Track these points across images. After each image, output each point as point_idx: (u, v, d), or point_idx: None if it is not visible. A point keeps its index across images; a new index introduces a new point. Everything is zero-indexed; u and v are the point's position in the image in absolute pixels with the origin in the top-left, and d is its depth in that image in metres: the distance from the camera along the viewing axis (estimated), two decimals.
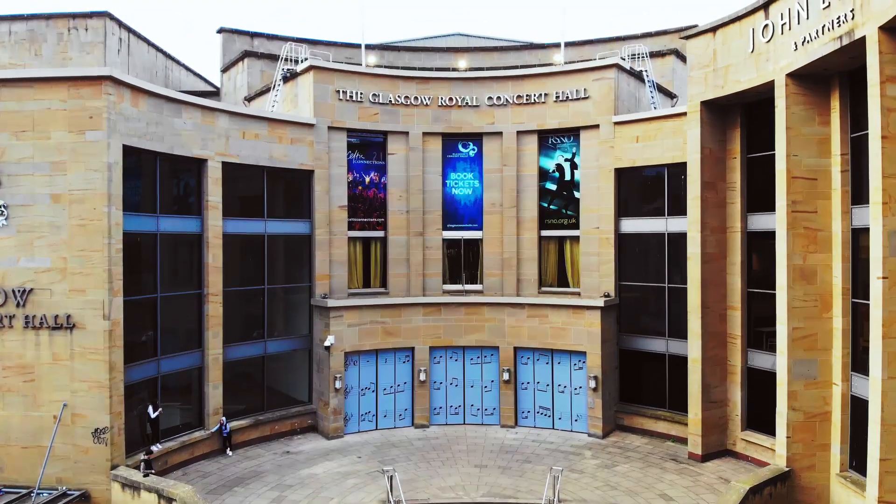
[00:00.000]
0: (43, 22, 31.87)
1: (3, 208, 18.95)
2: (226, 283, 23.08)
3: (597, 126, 25.72)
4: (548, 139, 26.91)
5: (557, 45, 35.11)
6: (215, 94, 37.91)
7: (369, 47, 35.31)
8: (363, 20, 28.22)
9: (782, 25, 18.72)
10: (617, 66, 25.59)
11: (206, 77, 42.91)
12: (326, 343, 23.99)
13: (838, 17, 16.38)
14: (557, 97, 26.28)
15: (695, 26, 35.14)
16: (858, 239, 18.14)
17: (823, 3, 16.93)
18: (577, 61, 33.00)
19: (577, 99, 25.99)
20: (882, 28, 14.95)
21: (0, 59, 31.94)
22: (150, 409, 20.81)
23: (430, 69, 33.72)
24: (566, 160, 26.70)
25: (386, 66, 33.59)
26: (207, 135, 22.45)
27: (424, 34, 39.86)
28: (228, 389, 23.14)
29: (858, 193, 18.11)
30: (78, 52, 31.72)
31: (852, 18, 15.94)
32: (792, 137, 18.78)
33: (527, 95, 26.64)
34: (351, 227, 26.45)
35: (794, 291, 18.80)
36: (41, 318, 18.93)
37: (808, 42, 17.65)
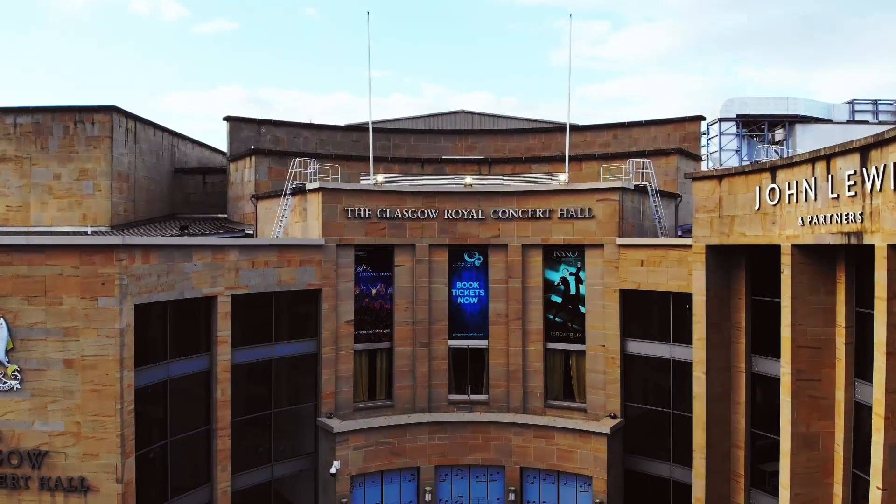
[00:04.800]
0: (49, 115, 32.01)
1: (17, 372, 19.15)
2: (233, 413, 23.33)
3: (601, 245, 25.91)
4: (553, 253, 27.10)
5: (562, 129, 35.29)
6: (222, 171, 37.99)
7: (376, 130, 35.31)
8: (371, 110, 28.16)
9: (789, 195, 18.83)
10: (621, 188, 25.74)
11: (213, 146, 43.04)
12: (332, 470, 24.25)
13: (846, 215, 16.52)
14: (562, 214, 26.45)
15: (699, 117, 35.42)
16: (861, 411, 18.37)
17: (832, 193, 17.06)
18: (581, 156, 33.17)
19: (582, 218, 26.16)
20: (892, 246, 15.10)
21: (6, 152, 32.11)
22: None
23: (437, 161, 33.93)
24: (571, 274, 26.90)
25: (391, 159, 33.75)
26: (217, 271, 22.63)
27: (430, 111, 39.86)
28: None
29: (862, 367, 18.29)
30: (84, 147, 31.90)
31: (861, 221, 16.10)
32: (797, 307, 18.95)
33: (531, 211, 26.81)
34: (357, 339, 26.69)
35: (798, 458, 19.06)
36: (56, 481, 19.17)
37: (814, 223, 17.78)
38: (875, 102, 49.02)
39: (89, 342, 19.06)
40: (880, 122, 47.67)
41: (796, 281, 18.97)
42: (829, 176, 17.16)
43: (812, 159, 17.83)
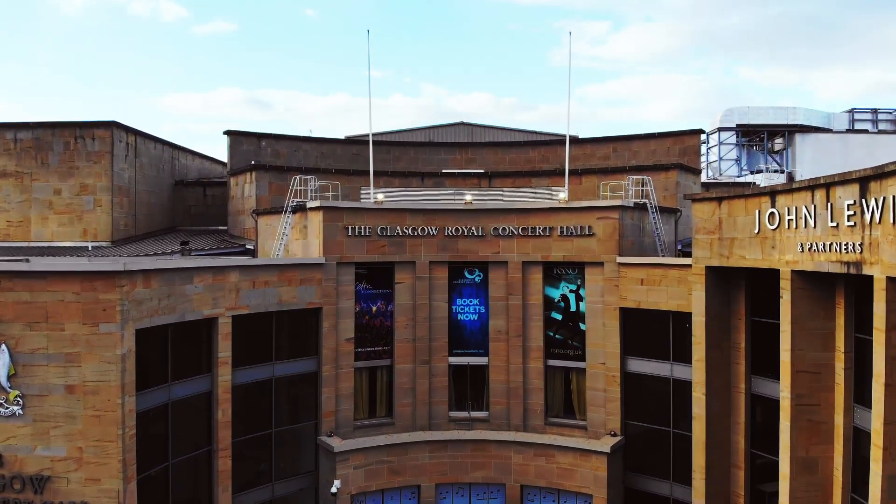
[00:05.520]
0: (49, 130, 32.08)
1: (18, 398, 19.19)
2: (234, 433, 23.39)
3: (601, 263, 25.96)
4: (553, 270, 27.15)
5: (562, 141, 35.32)
6: (223, 183, 38.03)
7: (376, 143, 35.35)
8: (371, 125, 28.33)
9: (789, 220, 18.88)
10: (621, 207, 25.79)
11: (213, 156, 43.09)
12: (333, 489, 24.30)
13: (846, 244, 16.57)
14: (562, 232, 26.49)
15: (699, 130, 35.46)
16: (860, 436, 18.42)
17: (832, 221, 17.10)
18: (581, 170, 33.21)
19: (582, 235, 26.21)
20: (891, 279, 15.15)
21: (6, 167, 32.18)
22: None
23: (437, 174, 33.99)
24: (571, 291, 26.96)
25: (391, 174, 33.80)
26: (218, 293, 22.68)
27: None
28: None
29: (861, 392, 18.33)
30: (85, 162, 31.97)
31: (860, 252, 16.15)
32: (797, 332, 19.00)
33: (531, 228, 26.85)
34: (357, 357, 26.74)
35: (797, 482, 19.13)
36: None
37: (814, 251, 17.83)
38: (874, 111, 49.11)
39: (91, 368, 19.08)
40: (880, 131, 47.73)
41: (796, 306, 19.02)
42: (829, 204, 17.21)
43: (811, 187, 17.89)
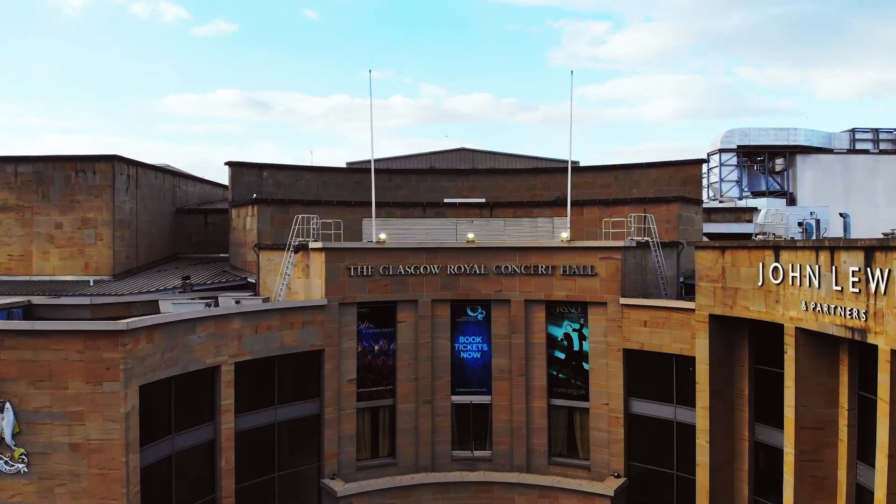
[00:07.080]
0: (50, 164, 32.01)
1: (23, 455, 19.18)
2: (237, 479, 23.37)
3: (604, 304, 25.96)
4: (556, 308, 27.13)
5: (563, 169, 35.27)
6: (224, 211, 37.96)
7: (378, 171, 35.25)
8: (372, 158, 28.39)
9: (793, 277, 18.86)
10: (623, 248, 25.78)
11: (213, 180, 43.05)
12: None
13: (850, 310, 16.56)
14: (564, 271, 26.48)
15: (700, 160, 35.40)
16: (862, 493, 18.44)
17: (836, 285, 17.09)
18: (582, 202, 33.16)
19: (584, 275, 26.20)
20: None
21: (7, 200, 32.12)
22: None
23: (438, 204, 33.96)
24: (574, 330, 26.95)
25: (393, 204, 33.74)
26: (220, 340, 22.66)
27: (432, 148, 39.95)
28: None
29: (864, 450, 18.36)
30: (86, 195, 31.93)
31: (865, 320, 16.14)
32: (801, 388, 18.98)
33: (534, 267, 26.83)
34: (359, 397, 26.71)
35: None
36: None
37: (818, 311, 17.82)
38: (876, 131, 49.04)
39: (95, 426, 19.06)
40: (881, 152, 47.68)
41: (800, 363, 19.01)
42: (833, 267, 17.19)
43: (816, 247, 17.88)
